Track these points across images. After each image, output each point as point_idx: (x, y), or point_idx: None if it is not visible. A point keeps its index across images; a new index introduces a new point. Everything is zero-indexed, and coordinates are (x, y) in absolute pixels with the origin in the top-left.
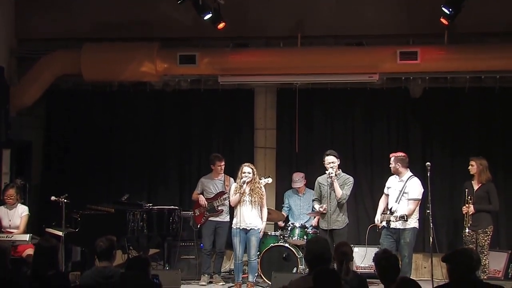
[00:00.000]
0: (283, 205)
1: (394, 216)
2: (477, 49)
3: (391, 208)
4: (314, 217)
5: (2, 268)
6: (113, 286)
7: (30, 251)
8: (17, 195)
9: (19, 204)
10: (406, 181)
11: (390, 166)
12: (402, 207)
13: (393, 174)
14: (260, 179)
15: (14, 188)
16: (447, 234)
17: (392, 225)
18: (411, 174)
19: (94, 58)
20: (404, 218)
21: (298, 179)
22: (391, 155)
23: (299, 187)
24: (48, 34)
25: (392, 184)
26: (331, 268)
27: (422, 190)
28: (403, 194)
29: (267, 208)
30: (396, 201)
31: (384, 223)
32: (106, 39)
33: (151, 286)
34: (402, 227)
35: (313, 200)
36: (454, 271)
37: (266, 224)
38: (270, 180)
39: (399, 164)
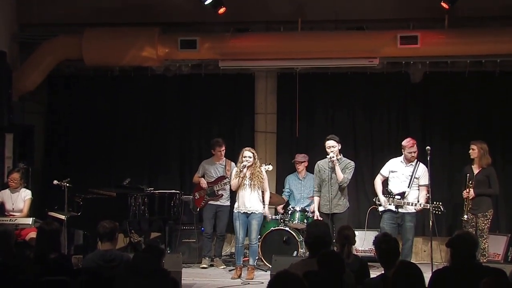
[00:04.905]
0: (283, 190)
1: (419, 204)
2: (478, 33)
3: (403, 193)
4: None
5: (6, 252)
6: (125, 266)
7: (33, 234)
8: (21, 179)
9: (22, 188)
10: (415, 166)
11: (414, 153)
12: (413, 193)
13: (394, 157)
14: (261, 166)
15: (19, 172)
16: (447, 218)
17: (402, 209)
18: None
19: (95, 43)
20: (436, 205)
21: (300, 158)
22: (413, 142)
23: (299, 164)
24: (49, 19)
25: (399, 168)
26: (336, 251)
27: (428, 174)
28: (414, 179)
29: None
30: (408, 186)
31: (392, 207)
32: (107, 24)
33: (162, 272)
34: (409, 211)
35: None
36: (457, 255)
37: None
38: (270, 167)
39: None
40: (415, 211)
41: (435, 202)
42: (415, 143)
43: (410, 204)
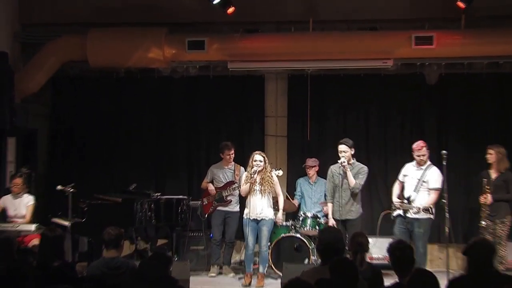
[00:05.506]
0: (295, 193)
1: (417, 207)
2: (495, 33)
3: (409, 197)
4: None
5: (8, 258)
6: (131, 273)
7: (36, 241)
8: (24, 184)
9: (25, 194)
10: (425, 170)
11: (423, 156)
12: (421, 197)
13: (409, 162)
14: (271, 171)
15: (22, 177)
16: (463, 225)
17: (409, 214)
18: (429, 162)
19: (100, 44)
20: (429, 210)
21: (311, 162)
22: (421, 145)
23: (310, 169)
24: (51, 19)
25: (410, 172)
26: (349, 259)
27: (442, 178)
28: (422, 183)
29: None
30: (414, 190)
31: (400, 212)
32: (110, 24)
33: (169, 280)
34: (417, 217)
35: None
36: (474, 263)
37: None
38: (280, 172)
39: (428, 152)
40: (418, 216)
41: (426, 205)
42: (424, 146)
43: (411, 208)
